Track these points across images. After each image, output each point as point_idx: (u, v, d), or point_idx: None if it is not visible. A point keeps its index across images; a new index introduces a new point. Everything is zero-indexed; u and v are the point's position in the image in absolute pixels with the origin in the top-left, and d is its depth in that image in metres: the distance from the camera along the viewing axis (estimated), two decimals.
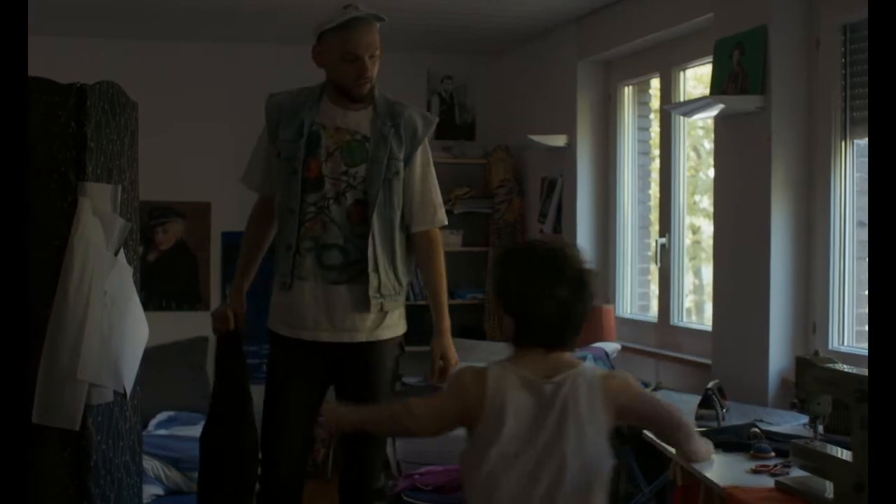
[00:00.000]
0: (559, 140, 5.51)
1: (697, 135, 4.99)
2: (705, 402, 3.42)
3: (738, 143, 4.07)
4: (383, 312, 3.20)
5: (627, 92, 5.37)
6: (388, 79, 6.20)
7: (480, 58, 6.45)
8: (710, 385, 3.49)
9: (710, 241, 4.45)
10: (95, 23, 5.60)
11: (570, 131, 5.48)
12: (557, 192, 5.66)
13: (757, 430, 2.89)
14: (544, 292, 2.22)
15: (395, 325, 3.27)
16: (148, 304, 5.85)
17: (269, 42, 5.96)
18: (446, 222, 3.29)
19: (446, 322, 3.27)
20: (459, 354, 3.36)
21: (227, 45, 6.06)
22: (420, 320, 6.16)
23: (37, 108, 3.29)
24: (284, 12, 5.38)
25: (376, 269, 3.14)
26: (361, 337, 3.19)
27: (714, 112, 4.02)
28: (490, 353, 5.65)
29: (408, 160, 3.18)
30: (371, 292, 3.14)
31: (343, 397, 3.22)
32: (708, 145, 4.92)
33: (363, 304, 3.15)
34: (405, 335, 3.35)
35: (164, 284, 6.00)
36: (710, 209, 4.77)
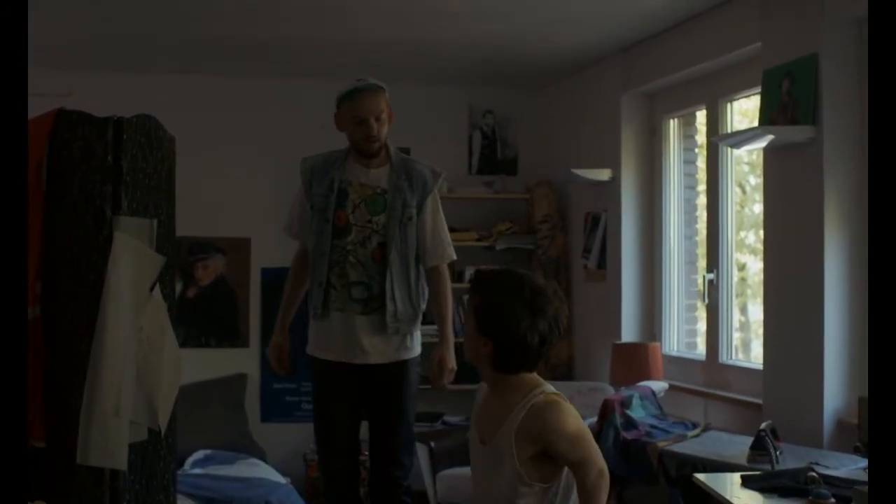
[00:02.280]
0: (603, 174, 5.42)
1: (742, 170, 4.88)
2: (758, 444, 3.28)
3: (788, 175, 3.95)
4: (402, 336, 3.75)
5: (673, 125, 5.27)
6: (429, 113, 6.30)
7: (522, 91, 6.39)
8: (762, 426, 3.36)
9: (756, 278, 4.33)
10: (139, 56, 5.63)
11: (615, 165, 5.39)
12: (602, 228, 5.56)
13: (815, 474, 2.75)
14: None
15: (413, 348, 3.81)
16: (187, 341, 5.89)
17: (313, 77, 5.95)
18: (454, 257, 3.89)
19: (448, 332, 3.80)
20: None
21: (270, 80, 6.06)
22: (461, 357, 6.12)
23: (74, 142, 3.26)
24: (328, 48, 5.37)
25: (393, 299, 3.69)
26: (385, 358, 3.73)
27: (763, 143, 3.91)
28: None
29: (420, 207, 3.76)
30: (388, 318, 3.69)
31: (374, 412, 3.80)
32: (753, 181, 4.81)
33: (383, 330, 3.71)
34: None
35: (204, 321, 5.95)
36: (757, 245, 4.64)
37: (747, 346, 4.79)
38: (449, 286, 3.84)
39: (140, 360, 3.23)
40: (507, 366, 2.48)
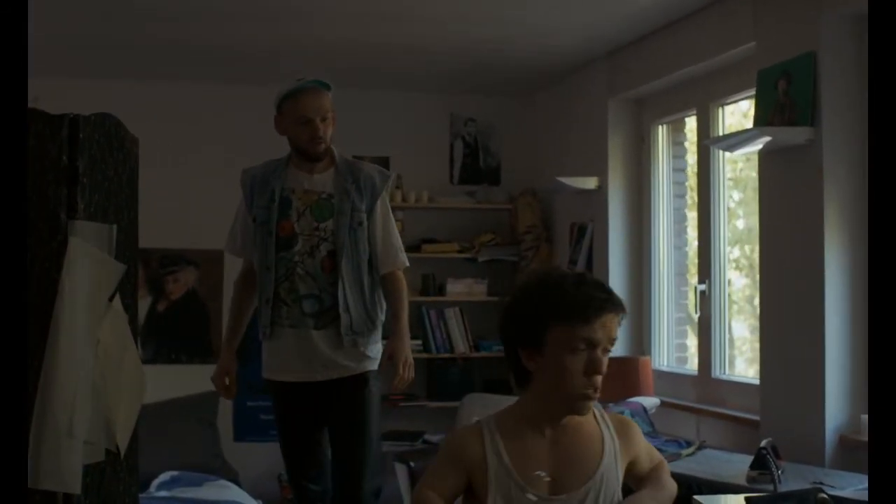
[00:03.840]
0: (590, 183, 5.24)
1: (727, 185, 4.72)
2: (759, 463, 3.09)
3: (785, 179, 3.79)
4: (359, 349, 3.52)
5: (661, 131, 5.11)
6: (409, 122, 6.12)
7: (505, 99, 6.23)
8: (763, 444, 3.17)
9: (741, 294, 4.18)
10: (106, 62, 5.43)
11: (602, 173, 5.22)
12: (588, 238, 5.38)
13: (825, 495, 2.55)
14: None
15: (372, 360, 3.57)
16: (157, 357, 5.67)
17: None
18: (408, 264, 3.65)
19: (400, 326, 3.52)
20: (486, 411, 3.20)
21: (243, 87, 5.86)
22: (443, 374, 5.93)
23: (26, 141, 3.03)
24: (302, 53, 5.19)
25: (347, 310, 3.48)
26: (345, 373, 3.51)
27: (759, 146, 3.74)
28: None
29: (370, 212, 3.54)
30: (343, 330, 3.47)
31: (335, 430, 3.57)
32: (737, 196, 4.65)
33: (338, 343, 3.48)
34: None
35: (174, 336, 5.74)
36: (741, 261, 4.51)
37: (732, 364, 4.62)
38: (405, 289, 3.61)
39: (97, 375, 3.02)
40: None
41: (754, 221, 4.45)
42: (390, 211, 3.64)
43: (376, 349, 3.59)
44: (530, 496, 2.07)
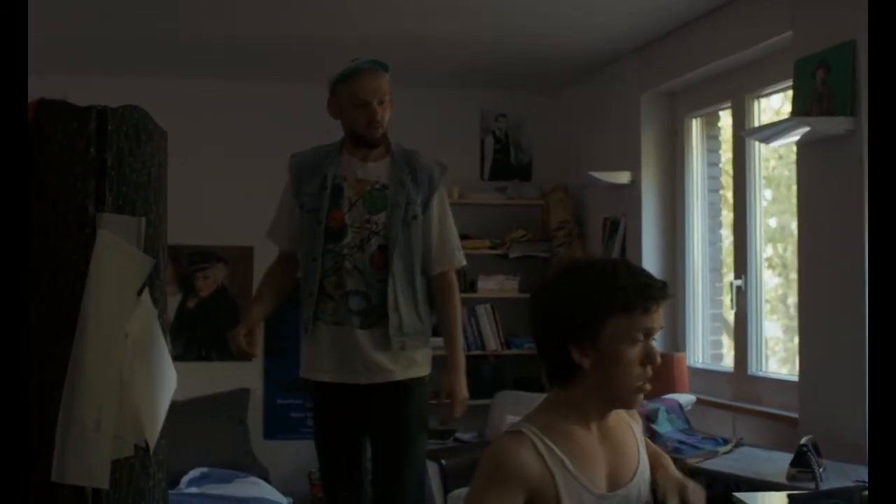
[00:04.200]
0: (622, 177, 5.17)
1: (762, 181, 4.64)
2: (800, 461, 3.01)
3: (824, 169, 3.70)
4: (408, 353, 3.29)
5: (695, 124, 5.02)
6: (438, 117, 6.07)
7: (536, 94, 6.17)
8: (803, 441, 3.09)
9: (774, 293, 4.11)
10: (134, 58, 5.42)
11: (634, 168, 5.14)
12: (621, 234, 5.31)
13: None
14: None
15: (421, 366, 3.35)
16: (187, 354, 5.66)
17: (314, 80, 5.71)
18: (464, 263, 3.44)
19: (458, 359, 3.33)
20: (518, 408, 3.12)
21: (271, 83, 5.85)
22: (474, 371, 5.87)
23: (54, 135, 3.03)
24: (329, 48, 5.15)
25: (397, 309, 3.26)
26: (391, 377, 3.28)
27: (796, 136, 3.65)
28: None
29: (426, 205, 3.32)
30: (392, 332, 3.25)
31: (378, 440, 3.34)
32: (769, 195, 4.57)
33: (385, 345, 3.26)
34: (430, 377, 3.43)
35: (204, 333, 5.72)
36: (774, 259, 4.44)
37: (767, 361, 4.54)
38: (458, 298, 3.39)
39: (125, 369, 3.00)
40: None
41: (787, 220, 4.37)
42: (448, 206, 3.41)
43: (425, 353, 3.37)
44: (595, 496, 1.97)
